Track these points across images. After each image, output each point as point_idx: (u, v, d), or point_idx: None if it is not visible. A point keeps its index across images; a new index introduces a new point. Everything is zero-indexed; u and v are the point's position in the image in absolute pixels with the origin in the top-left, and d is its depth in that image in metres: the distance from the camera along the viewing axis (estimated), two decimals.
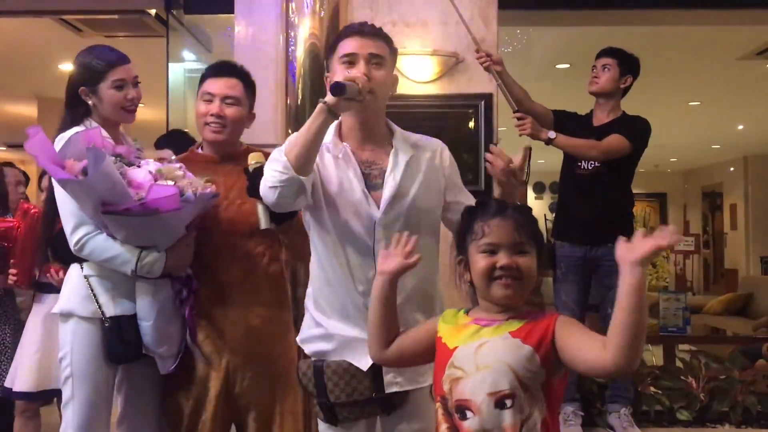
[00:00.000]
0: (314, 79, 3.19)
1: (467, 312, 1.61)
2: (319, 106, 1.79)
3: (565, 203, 3.57)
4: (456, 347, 1.52)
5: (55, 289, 3.16)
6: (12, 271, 3.20)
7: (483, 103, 3.31)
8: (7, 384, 3.26)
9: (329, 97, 1.78)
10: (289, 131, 3.23)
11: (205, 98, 2.29)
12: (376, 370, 1.89)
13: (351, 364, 1.91)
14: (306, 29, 3.21)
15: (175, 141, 3.08)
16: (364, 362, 1.89)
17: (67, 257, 2.25)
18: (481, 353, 1.48)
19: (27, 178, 3.52)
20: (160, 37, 5.30)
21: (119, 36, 5.77)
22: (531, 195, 15.08)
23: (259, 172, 1.96)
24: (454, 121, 3.32)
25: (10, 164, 4.55)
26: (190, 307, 2.24)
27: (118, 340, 2.16)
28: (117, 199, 2.02)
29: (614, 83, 3.46)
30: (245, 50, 3.33)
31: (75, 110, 2.27)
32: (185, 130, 3.58)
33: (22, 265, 3.18)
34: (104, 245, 2.12)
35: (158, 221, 2.07)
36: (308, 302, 2.04)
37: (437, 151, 2.03)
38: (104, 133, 2.23)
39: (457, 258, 1.61)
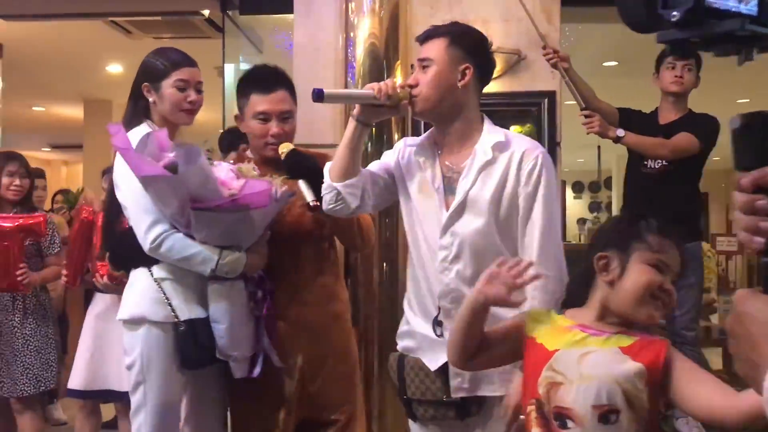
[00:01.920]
0: (374, 80, 3.14)
1: (560, 312, 1.56)
2: (350, 118, 1.90)
3: (630, 203, 3.50)
4: (556, 350, 1.47)
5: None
6: (64, 271, 3.26)
7: (546, 100, 3.26)
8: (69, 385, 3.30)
9: (355, 109, 1.89)
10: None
11: (260, 118, 2.24)
12: (445, 372, 1.86)
13: (425, 364, 1.90)
14: (365, 29, 3.18)
15: (234, 139, 3.06)
16: (434, 363, 1.88)
17: (129, 262, 2.22)
18: (586, 362, 1.44)
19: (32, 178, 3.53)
20: (208, 39, 5.36)
21: (168, 38, 5.85)
22: (569, 194, 14.95)
23: (292, 153, 2.14)
24: (517, 120, 3.27)
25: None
26: (267, 308, 2.23)
27: (192, 344, 2.11)
28: (208, 195, 2.00)
29: (695, 84, 3.40)
30: (304, 51, 3.31)
31: (136, 105, 2.26)
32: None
33: (72, 265, 3.23)
34: (183, 243, 2.08)
35: (246, 218, 2.05)
36: (405, 299, 2.05)
37: (518, 152, 1.87)
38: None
39: (599, 254, 1.52)
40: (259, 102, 2.24)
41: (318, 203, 2.07)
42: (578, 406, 1.41)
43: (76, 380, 3.20)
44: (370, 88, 1.86)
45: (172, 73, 2.21)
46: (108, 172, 3.42)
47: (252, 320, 2.22)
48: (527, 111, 3.23)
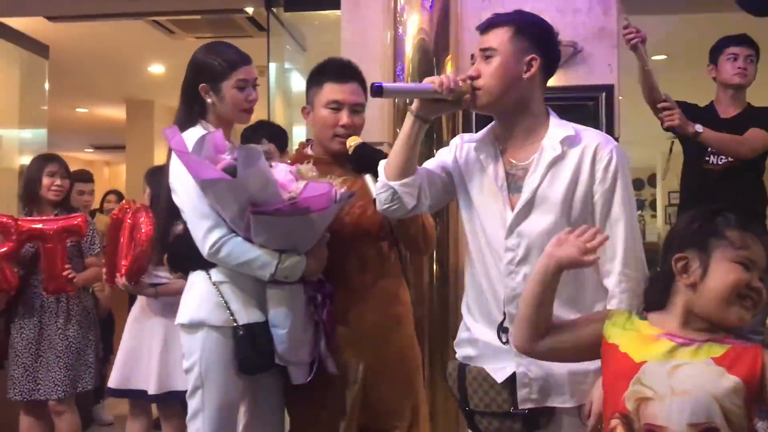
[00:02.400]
0: (423, 76, 3.05)
1: (643, 318, 1.46)
2: (407, 113, 1.81)
3: (690, 201, 3.35)
4: (644, 362, 1.37)
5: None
6: (104, 269, 3.30)
7: (604, 95, 3.13)
8: None
9: (413, 102, 1.80)
10: (397, 130, 3.12)
11: (332, 107, 2.20)
12: (512, 383, 1.77)
13: (489, 374, 1.81)
14: (415, 24, 3.10)
15: (263, 133, 2.99)
16: (500, 374, 1.78)
17: (187, 265, 2.18)
18: (677, 376, 1.34)
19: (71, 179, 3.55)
20: (250, 38, 5.32)
21: (209, 37, 5.83)
22: None
23: (360, 147, 2.11)
24: (573, 115, 3.07)
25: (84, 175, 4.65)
26: (327, 312, 2.16)
27: (251, 349, 2.06)
28: (267, 199, 1.94)
29: (755, 76, 3.25)
30: (352, 47, 3.23)
31: (191, 107, 2.19)
32: (270, 121, 3.51)
33: (108, 264, 3.28)
34: (242, 247, 2.02)
35: (306, 221, 1.99)
36: (463, 305, 1.95)
37: (590, 148, 1.75)
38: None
39: (677, 255, 1.43)
40: (333, 91, 2.20)
41: None
42: (673, 424, 1.32)
43: (113, 379, 3.24)
44: (431, 82, 1.76)
45: (232, 74, 2.15)
46: (151, 173, 3.43)
47: (312, 325, 2.16)
48: (584, 106, 3.10)
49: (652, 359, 1.37)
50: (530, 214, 1.75)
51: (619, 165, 1.74)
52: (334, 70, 2.27)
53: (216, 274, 2.10)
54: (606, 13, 3.19)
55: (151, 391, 3.15)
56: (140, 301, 3.31)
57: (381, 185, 1.85)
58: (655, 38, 5.76)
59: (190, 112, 2.19)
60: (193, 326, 2.11)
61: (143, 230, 3.07)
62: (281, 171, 2.03)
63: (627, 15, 3.01)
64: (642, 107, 3.39)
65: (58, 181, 3.37)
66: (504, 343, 1.76)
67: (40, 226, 3.22)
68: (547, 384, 1.73)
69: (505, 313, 1.77)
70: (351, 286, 2.21)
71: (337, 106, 2.20)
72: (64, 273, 3.21)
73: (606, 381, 1.45)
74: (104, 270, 3.31)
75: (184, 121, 2.18)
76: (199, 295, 2.12)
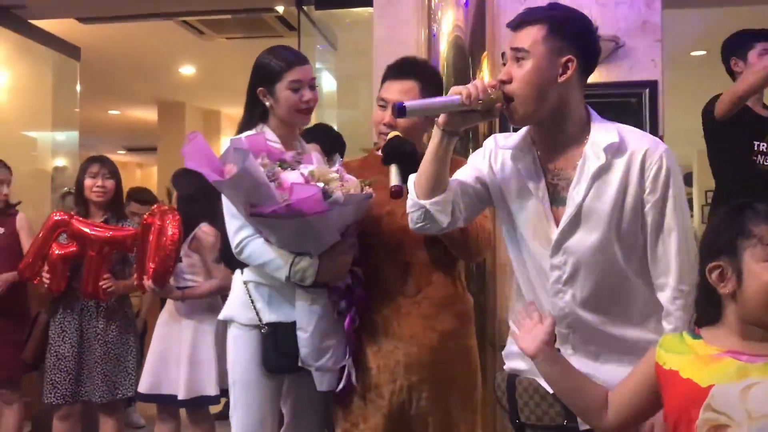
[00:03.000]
0: (458, 74, 2.98)
1: (696, 336, 1.35)
2: (434, 127, 1.66)
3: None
4: (711, 386, 1.26)
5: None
6: (134, 275, 3.24)
7: (647, 91, 3.01)
8: None
9: (441, 117, 1.65)
10: (431, 130, 3.04)
11: (380, 104, 2.16)
12: None
13: (541, 385, 1.71)
14: (449, 21, 3.01)
15: (319, 135, 2.95)
16: None
17: (234, 263, 2.20)
18: (753, 398, 1.23)
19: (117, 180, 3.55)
20: (280, 38, 5.28)
21: (240, 37, 5.81)
22: None
23: (392, 138, 2.03)
24: (615, 112, 2.96)
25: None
26: (350, 319, 2.10)
27: (274, 348, 2.08)
28: (263, 201, 1.93)
29: None
30: (385, 45, 3.15)
31: (253, 112, 2.20)
32: (330, 125, 3.46)
33: (139, 268, 3.21)
34: (261, 249, 2.05)
35: (306, 224, 1.95)
36: (510, 314, 1.84)
37: (638, 155, 1.60)
38: (273, 138, 2.15)
39: (709, 265, 1.33)
40: (386, 88, 2.16)
41: (399, 188, 1.93)
42: None
43: (143, 384, 3.22)
44: (457, 93, 1.59)
45: (284, 75, 2.14)
46: (178, 176, 3.39)
47: (340, 332, 2.10)
48: (626, 102, 2.99)
49: (719, 382, 1.26)
50: (577, 230, 1.62)
51: (670, 171, 1.60)
52: (395, 67, 2.20)
53: (246, 273, 2.15)
54: (649, 6, 3.08)
55: (181, 396, 3.12)
56: (168, 305, 3.29)
57: (412, 204, 1.74)
58: (695, 33, 5.66)
59: (252, 116, 2.20)
60: (226, 322, 2.18)
61: (169, 233, 3.03)
62: (293, 174, 1.99)
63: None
64: (678, 104, 3.27)
65: (99, 182, 3.34)
66: None
67: (87, 230, 3.20)
68: None
69: (555, 333, 1.64)
70: (391, 295, 2.12)
71: (383, 104, 2.15)
72: (101, 283, 3.18)
73: (670, 411, 1.33)
74: (134, 275, 3.26)
75: (245, 125, 2.20)
76: (233, 292, 2.19)
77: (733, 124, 2.99)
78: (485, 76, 2.99)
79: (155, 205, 3.49)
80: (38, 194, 3.56)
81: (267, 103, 2.17)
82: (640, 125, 3.04)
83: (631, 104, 3.00)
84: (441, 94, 2.16)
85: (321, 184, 1.96)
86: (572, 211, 1.62)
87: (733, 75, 3.27)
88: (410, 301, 2.10)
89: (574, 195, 1.62)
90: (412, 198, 1.74)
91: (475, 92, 1.58)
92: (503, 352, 1.87)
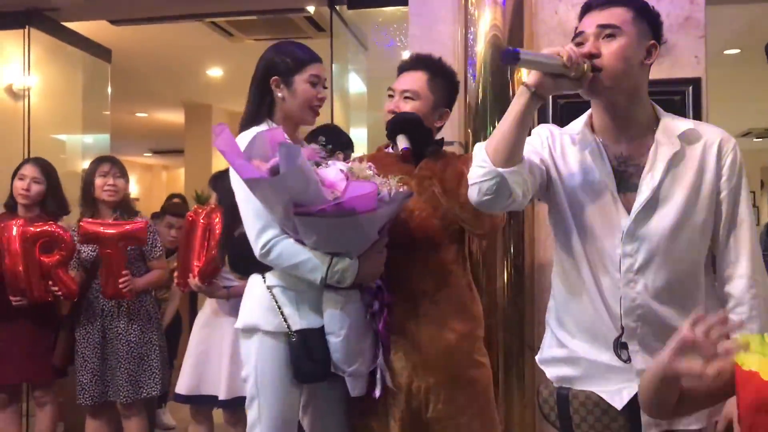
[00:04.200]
0: (495, 75, 2.93)
1: None
2: (521, 87, 1.58)
3: None
4: None
5: None
6: (176, 273, 3.24)
7: (691, 89, 2.93)
8: None
9: (531, 76, 1.56)
10: (468, 131, 2.99)
11: (389, 94, 2.17)
12: (632, 408, 1.59)
13: (602, 398, 1.64)
14: (487, 21, 2.95)
15: (328, 134, 2.92)
16: (618, 399, 1.62)
17: (246, 267, 2.11)
18: None
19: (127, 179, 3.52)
20: (309, 39, 5.26)
21: (268, 39, 5.79)
22: None
23: (396, 115, 2.07)
24: None
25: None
26: (383, 320, 2.05)
27: (305, 356, 1.97)
28: (311, 199, 1.85)
29: None
30: (420, 44, 3.10)
31: (261, 102, 2.12)
32: (337, 126, 3.43)
33: (183, 269, 3.22)
34: (293, 249, 1.95)
35: (353, 223, 1.88)
36: (549, 318, 1.79)
37: (713, 143, 1.61)
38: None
39: None
40: (397, 80, 2.17)
41: (408, 149, 1.97)
42: None
43: (181, 385, 3.20)
44: (556, 53, 1.53)
45: (306, 68, 2.10)
46: (216, 178, 3.38)
47: (370, 334, 2.05)
48: (669, 100, 2.91)
49: None
50: (651, 216, 1.59)
51: (742, 164, 1.61)
52: (407, 60, 2.23)
53: (270, 278, 2.04)
54: (692, 2, 3.00)
55: (222, 396, 3.10)
56: (210, 304, 3.26)
57: (485, 173, 1.57)
58: (730, 32, 5.56)
59: (259, 108, 2.12)
60: (247, 331, 2.05)
61: (217, 232, 2.99)
62: (333, 170, 1.94)
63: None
64: (716, 102, 3.20)
65: (110, 181, 3.33)
66: (625, 361, 1.61)
67: (99, 229, 3.18)
68: None
69: (623, 327, 1.61)
70: (410, 295, 2.08)
71: (391, 93, 2.16)
72: (121, 280, 3.16)
73: (745, 414, 1.26)
74: (176, 273, 3.27)
75: (252, 118, 2.12)
76: (254, 299, 2.07)
77: None
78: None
79: (197, 205, 3.50)
80: (70, 196, 3.54)
81: (280, 95, 2.10)
82: None
83: (674, 102, 2.92)
84: (452, 86, 2.19)
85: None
86: (647, 197, 1.59)
87: None
88: (428, 302, 2.08)
89: (649, 180, 1.60)
90: (485, 165, 1.58)
91: (575, 56, 1.54)
92: (538, 358, 1.81)
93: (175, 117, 9.19)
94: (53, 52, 5.02)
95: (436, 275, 2.09)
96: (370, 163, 2.02)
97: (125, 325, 3.27)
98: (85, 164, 5.64)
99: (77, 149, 5.59)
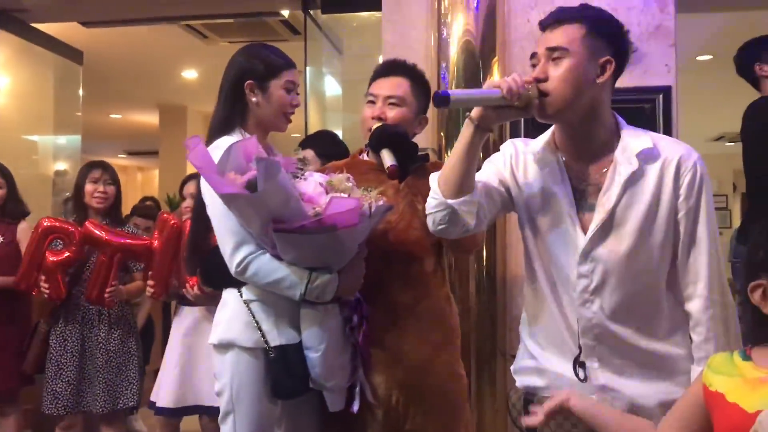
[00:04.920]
0: (468, 80, 2.93)
1: (746, 358, 1.29)
2: (466, 121, 1.59)
3: None
4: (758, 411, 1.19)
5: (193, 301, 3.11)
6: (150, 282, 3.12)
7: (661, 97, 2.96)
8: (152, 398, 3.22)
9: (474, 110, 1.58)
10: (441, 134, 3.00)
11: (369, 99, 2.10)
12: None
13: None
14: (460, 27, 2.95)
15: (319, 142, 2.90)
16: None
17: (220, 281, 2.04)
18: None
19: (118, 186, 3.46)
20: (284, 42, 5.24)
21: (243, 41, 5.76)
22: None
23: (378, 127, 2.01)
24: (628, 118, 2.96)
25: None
26: (363, 334, 2.02)
27: (284, 372, 1.91)
28: (290, 216, 1.80)
29: None
30: (394, 50, 3.09)
31: (233, 107, 2.05)
32: (333, 132, 3.40)
33: (160, 276, 3.11)
34: (270, 266, 1.88)
35: (333, 239, 1.83)
36: (522, 328, 1.79)
37: (672, 161, 1.55)
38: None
39: (751, 284, 1.27)
40: (375, 84, 2.11)
41: (396, 167, 1.90)
42: None
43: (167, 398, 3.10)
44: (496, 86, 1.54)
45: (283, 73, 2.04)
46: (189, 179, 3.34)
47: (349, 348, 2.01)
48: (640, 109, 2.93)
49: (765, 406, 1.19)
50: (607, 237, 1.57)
51: (703, 180, 1.56)
52: (384, 65, 2.18)
53: (247, 293, 1.96)
54: (663, 10, 3.02)
55: (209, 401, 3.03)
56: (192, 313, 3.17)
57: (436, 204, 1.63)
58: (702, 38, 5.63)
59: (231, 114, 2.04)
60: (223, 346, 1.97)
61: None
62: (311, 183, 1.88)
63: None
64: (688, 107, 3.24)
65: (101, 188, 3.27)
66: (582, 380, 1.61)
67: (103, 234, 3.12)
68: None
69: (580, 346, 1.61)
70: (389, 307, 2.05)
71: (372, 99, 2.10)
72: (108, 290, 3.10)
73: None
74: (151, 282, 3.12)
75: (222, 125, 2.04)
76: (230, 313, 1.98)
77: None
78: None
79: (163, 213, 3.44)
80: (39, 199, 3.51)
81: (254, 99, 2.03)
82: (653, 132, 3.00)
83: (645, 110, 2.94)
84: (429, 92, 2.15)
85: (344, 195, 1.87)
86: (603, 218, 1.57)
87: (756, 80, 3.28)
88: (407, 314, 2.04)
89: (605, 201, 1.57)
90: (436, 197, 1.63)
91: (515, 86, 1.53)
92: (512, 368, 1.80)
93: (149, 118, 9.12)
94: (23, 54, 4.96)
95: (415, 287, 2.06)
96: (349, 175, 1.98)
97: (105, 334, 3.21)
98: (57, 165, 5.62)
99: (48, 150, 5.53)
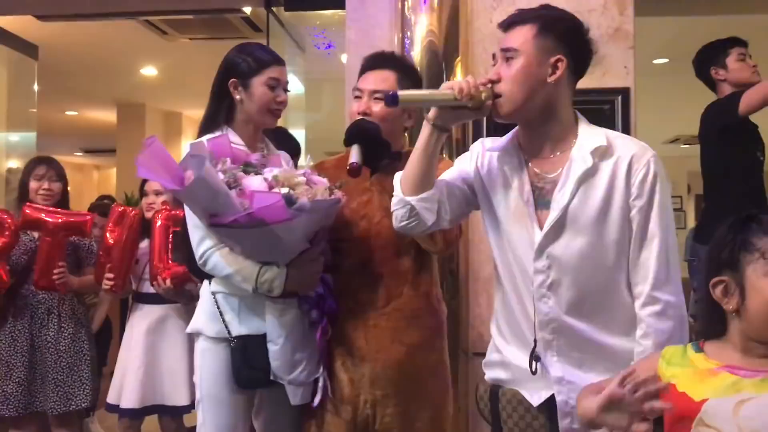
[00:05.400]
0: (431, 79, 2.94)
1: (699, 350, 1.32)
2: (424, 121, 1.65)
3: (737, 204, 3.11)
4: (705, 400, 1.24)
5: (153, 299, 3.09)
6: (108, 275, 3.07)
7: (620, 98, 3.01)
8: (111, 400, 3.16)
9: (431, 112, 1.64)
10: (405, 135, 3.00)
11: (356, 95, 2.08)
12: (550, 408, 1.63)
13: (525, 397, 1.68)
14: (423, 27, 2.97)
15: (271, 136, 2.88)
16: (536, 397, 1.66)
17: (201, 272, 2.08)
18: (745, 413, 1.21)
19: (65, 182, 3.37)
20: (246, 39, 5.19)
21: (204, 38, 5.70)
22: None
23: (355, 121, 2.00)
24: (588, 119, 3.03)
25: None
26: (321, 330, 2.02)
27: (243, 362, 1.98)
28: (223, 210, 1.83)
29: None
30: (357, 48, 3.09)
31: (218, 107, 2.09)
32: (286, 130, 3.37)
33: (118, 270, 3.07)
34: (225, 260, 1.95)
35: (269, 233, 1.85)
36: (492, 323, 1.81)
37: (624, 159, 1.57)
38: (238, 140, 2.05)
39: (713, 280, 1.30)
40: (361, 79, 2.09)
41: (357, 165, 1.90)
42: None
43: (131, 398, 3.06)
44: (449, 88, 1.59)
45: (264, 70, 2.05)
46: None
47: (313, 344, 2.03)
48: (599, 109, 2.98)
49: (713, 396, 1.24)
50: (561, 235, 1.59)
51: (657, 177, 1.58)
52: (371, 58, 2.14)
53: (214, 284, 2.06)
54: (622, 13, 3.08)
55: (184, 401, 3.01)
56: (152, 312, 3.13)
57: (397, 201, 1.70)
58: (659, 42, 5.74)
59: (217, 111, 2.09)
60: (195, 335, 2.08)
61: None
62: (257, 180, 1.89)
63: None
64: (645, 109, 3.30)
65: (46, 185, 3.21)
66: (533, 373, 1.62)
67: (42, 215, 3.06)
68: None
69: (535, 340, 1.63)
70: (360, 306, 2.04)
71: (358, 94, 2.08)
72: (56, 271, 3.04)
73: (667, 424, 1.31)
74: (110, 275, 3.06)
75: (208, 123, 2.10)
76: (201, 304, 2.09)
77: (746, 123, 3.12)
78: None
79: (118, 205, 3.37)
80: None
81: (237, 97, 2.06)
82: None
83: (604, 111, 2.99)
84: (419, 88, 2.14)
85: (285, 190, 1.87)
86: (556, 215, 1.59)
87: (713, 84, 3.37)
88: (379, 313, 2.03)
89: (559, 198, 1.59)
90: (397, 195, 1.70)
91: (467, 87, 1.56)
92: (483, 362, 1.82)
93: (107, 116, 8.95)
94: None
95: (389, 286, 2.04)
96: (305, 170, 1.98)
97: (55, 332, 3.16)
98: (10, 163, 5.50)
99: (1, 147, 5.43)
